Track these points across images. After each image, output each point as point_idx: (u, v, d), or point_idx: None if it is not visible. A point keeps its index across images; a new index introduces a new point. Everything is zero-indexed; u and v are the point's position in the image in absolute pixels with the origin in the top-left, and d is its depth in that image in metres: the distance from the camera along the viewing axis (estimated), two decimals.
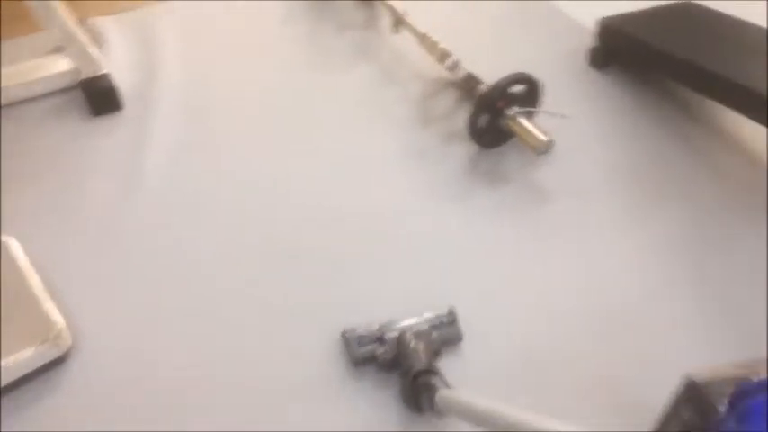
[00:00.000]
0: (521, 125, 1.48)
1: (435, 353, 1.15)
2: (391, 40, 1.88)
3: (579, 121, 1.63)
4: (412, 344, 1.12)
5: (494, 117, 1.51)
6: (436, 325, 1.19)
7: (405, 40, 1.82)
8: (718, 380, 0.87)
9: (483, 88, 1.54)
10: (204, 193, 1.51)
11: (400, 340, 1.14)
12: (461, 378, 1.09)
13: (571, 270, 1.36)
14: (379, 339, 1.16)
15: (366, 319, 1.20)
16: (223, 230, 1.42)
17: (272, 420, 1.10)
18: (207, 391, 1.14)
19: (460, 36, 1.76)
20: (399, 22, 1.80)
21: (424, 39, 1.70)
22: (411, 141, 1.65)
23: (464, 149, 1.60)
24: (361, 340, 1.17)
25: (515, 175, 1.55)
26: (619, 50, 1.79)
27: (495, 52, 1.73)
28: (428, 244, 1.40)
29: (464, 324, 1.20)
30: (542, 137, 1.45)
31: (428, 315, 1.19)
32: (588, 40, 1.83)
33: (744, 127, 1.60)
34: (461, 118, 1.58)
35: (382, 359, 1.14)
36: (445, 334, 1.19)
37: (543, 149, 1.45)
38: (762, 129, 1.47)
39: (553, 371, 1.18)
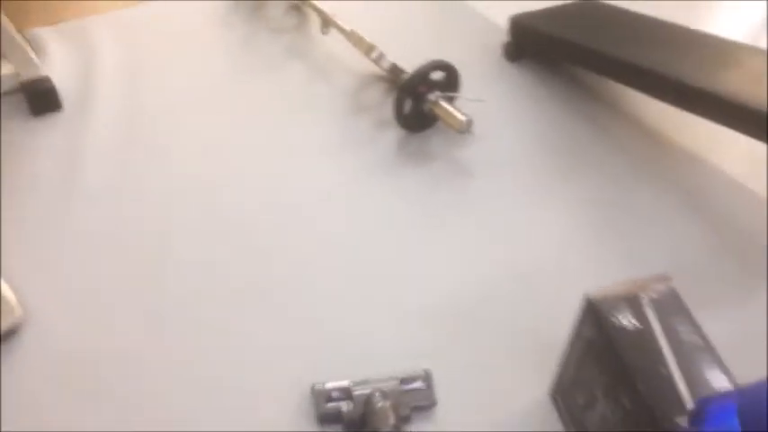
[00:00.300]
0: (442, 108, 1.62)
1: (405, 418, 1.11)
2: (321, 40, 2.00)
3: (496, 106, 1.79)
4: (380, 404, 1.08)
5: (417, 102, 1.65)
6: (409, 388, 1.15)
7: (334, 41, 1.95)
8: (611, 297, 1.01)
9: (406, 77, 1.68)
10: (142, 188, 1.58)
11: (368, 399, 1.10)
12: None
13: (494, 235, 1.50)
14: (349, 396, 1.12)
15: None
16: (162, 223, 1.50)
17: None
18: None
19: (384, 36, 1.88)
20: (327, 22, 1.93)
21: (351, 34, 1.83)
22: (343, 130, 1.77)
23: (393, 135, 1.72)
24: (330, 395, 1.13)
25: (440, 155, 1.69)
26: (528, 44, 1.96)
27: (417, 50, 1.85)
28: (363, 219, 1.53)
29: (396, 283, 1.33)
30: (462, 117, 1.59)
31: (402, 375, 1.16)
32: (501, 36, 2.00)
33: (642, 105, 1.79)
34: (389, 107, 1.71)
35: (348, 418, 1.10)
36: (418, 396, 1.15)
37: (464, 128, 1.60)
38: (659, 105, 1.65)
39: (482, 325, 1.31)
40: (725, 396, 0.86)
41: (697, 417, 0.83)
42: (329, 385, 1.14)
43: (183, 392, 1.19)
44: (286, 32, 2.12)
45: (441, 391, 1.18)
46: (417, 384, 1.16)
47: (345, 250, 1.45)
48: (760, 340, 1.25)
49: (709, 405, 0.83)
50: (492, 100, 1.76)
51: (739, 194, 1.58)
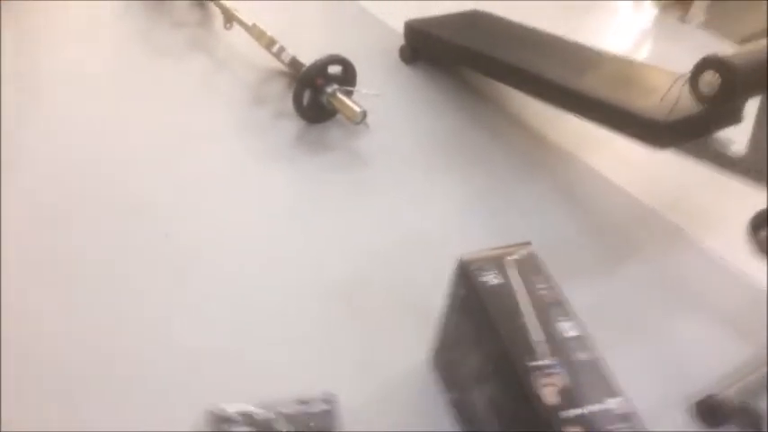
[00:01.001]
0: (339, 100, 1.73)
1: None
2: (225, 36, 2.06)
3: (391, 103, 1.91)
4: (283, 430, 1.06)
5: (315, 94, 1.74)
6: (313, 412, 1.12)
7: (237, 37, 2.01)
8: (480, 258, 1.13)
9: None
10: (36, 168, 1.58)
11: (270, 423, 1.07)
12: None
13: (385, 218, 1.61)
14: (250, 421, 1.08)
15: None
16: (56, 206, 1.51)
17: None
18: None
19: (285, 34, 1.96)
20: (230, 18, 1.99)
21: (252, 29, 1.90)
22: (243, 118, 1.83)
23: (292, 125, 1.81)
24: (229, 419, 1.07)
25: (337, 145, 1.79)
26: (422, 47, 2.11)
27: (317, 49, 1.96)
28: (258, 201, 1.59)
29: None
30: (357, 108, 1.70)
31: (305, 397, 1.13)
32: (398, 40, 2.13)
33: (524, 106, 1.96)
34: (290, 101, 1.79)
35: None
36: (322, 423, 1.12)
37: (359, 119, 1.70)
38: (539, 106, 1.81)
39: (372, 297, 1.41)
40: None
41: None
42: (229, 409, 1.09)
43: (65, 407, 1.14)
44: (189, 26, 2.16)
45: (331, 370, 1.24)
46: (320, 407, 1.13)
47: (240, 233, 1.51)
48: (613, 304, 1.43)
49: None
50: (387, 97, 1.88)
51: (605, 188, 1.77)
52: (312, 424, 1.10)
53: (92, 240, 1.43)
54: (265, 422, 1.07)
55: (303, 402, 1.13)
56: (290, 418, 1.09)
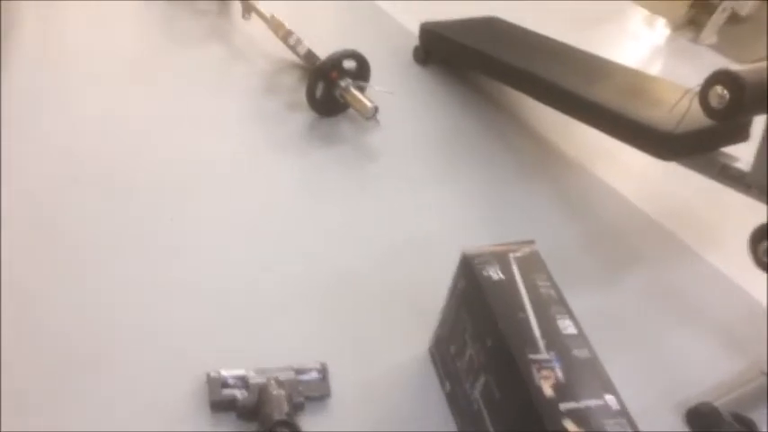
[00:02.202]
0: (352, 94, 1.75)
1: (298, 406, 1.12)
2: (243, 26, 2.09)
3: (402, 102, 1.93)
4: (275, 392, 1.09)
5: (329, 87, 1.76)
6: (305, 378, 1.17)
7: (255, 27, 2.04)
8: (484, 253, 1.15)
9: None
10: (49, 146, 1.59)
11: (264, 387, 1.11)
12: None
13: (390, 213, 1.62)
14: (245, 384, 1.13)
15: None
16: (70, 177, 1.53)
17: None
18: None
19: (303, 28, 1.98)
20: (249, 8, 2.01)
21: (270, 20, 1.92)
22: (256, 108, 1.85)
23: (304, 117, 1.83)
24: (226, 383, 1.13)
25: (348, 139, 1.81)
26: (436, 49, 2.13)
27: (333, 45, 1.98)
28: (266, 189, 1.61)
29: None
30: (369, 103, 1.72)
31: (299, 366, 1.18)
32: (412, 41, 2.15)
33: (534, 113, 1.99)
34: (303, 93, 1.81)
35: (242, 405, 1.10)
36: (313, 387, 1.17)
37: (370, 114, 1.73)
38: (549, 113, 1.82)
39: (374, 288, 1.42)
40: None
41: None
42: (225, 373, 1.14)
43: (73, 376, 1.16)
44: (209, 15, 2.18)
45: (329, 353, 1.25)
46: (313, 375, 1.18)
47: (246, 219, 1.52)
48: (611, 310, 1.45)
49: None
50: (399, 96, 1.90)
51: (609, 197, 1.79)
52: (301, 389, 1.14)
53: (97, 221, 1.44)
54: (258, 385, 1.11)
55: (297, 371, 1.17)
56: (281, 383, 1.12)
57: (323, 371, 1.20)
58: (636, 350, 1.38)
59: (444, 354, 1.25)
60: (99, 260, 1.35)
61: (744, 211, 1.41)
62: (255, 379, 1.13)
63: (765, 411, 1.27)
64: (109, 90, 1.79)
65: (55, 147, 1.58)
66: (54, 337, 1.20)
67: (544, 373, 0.96)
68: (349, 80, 1.76)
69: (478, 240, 1.55)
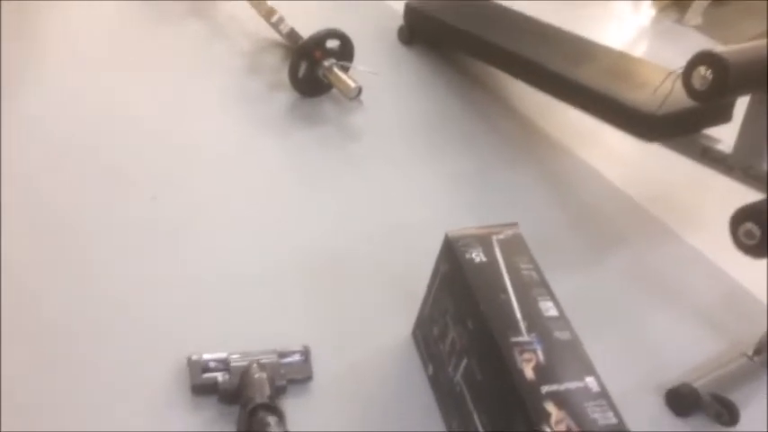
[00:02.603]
0: (335, 74, 1.72)
1: (280, 389, 1.11)
2: (224, 4, 2.05)
3: (386, 82, 1.91)
4: (257, 375, 1.08)
5: (312, 66, 1.74)
6: (287, 361, 1.16)
7: (237, 6, 1.99)
8: (466, 236, 1.14)
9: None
10: (32, 129, 1.56)
11: (246, 371, 1.10)
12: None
13: (373, 194, 1.61)
14: (227, 367, 1.12)
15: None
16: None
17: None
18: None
19: (284, 9, 1.95)
20: None
21: None
22: (237, 87, 1.82)
23: (286, 96, 1.80)
24: (207, 366, 1.12)
25: (331, 119, 1.79)
26: (421, 29, 2.11)
27: (316, 24, 1.95)
28: (248, 169, 1.59)
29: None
30: (352, 83, 1.70)
31: (282, 349, 1.17)
32: (397, 20, 2.12)
33: (519, 94, 1.97)
34: (286, 73, 1.78)
35: (223, 389, 1.09)
36: (295, 369, 1.16)
37: (353, 94, 1.71)
38: (534, 95, 1.82)
39: (357, 270, 1.41)
40: None
41: None
42: (206, 356, 1.13)
43: (51, 360, 1.15)
44: None
45: (311, 333, 1.24)
46: (296, 358, 1.18)
47: (228, 199, 1.50)
48: (593, 292, 1.45)
49: None
50: (383, 76, 1.88)
51: (592, 179, 1.79)
52: (284, 371, 1.13)
53: (81, 201, 1.42)
54: (240, 369, 1.11)
55: (280, 354, 1.16)
56: (263, 366, 1.12)
57: (305, 353, 1.19)
58: (617, 332, 1.38)
59: (427, 336, 1.25)
60: (78, 244, 1.33)
61: (726, 195, 1.41)
62: (237, 362, 1.13)
63: (745, 392, 1.28)
64: (87, 70, 1.75)
65: (33, 128, 1.54)
66: (32, 320, 1.18)
67: (526, 355, 0.96)
68: (332, 60, 1.73)
69: (462, 222, 1.55)
